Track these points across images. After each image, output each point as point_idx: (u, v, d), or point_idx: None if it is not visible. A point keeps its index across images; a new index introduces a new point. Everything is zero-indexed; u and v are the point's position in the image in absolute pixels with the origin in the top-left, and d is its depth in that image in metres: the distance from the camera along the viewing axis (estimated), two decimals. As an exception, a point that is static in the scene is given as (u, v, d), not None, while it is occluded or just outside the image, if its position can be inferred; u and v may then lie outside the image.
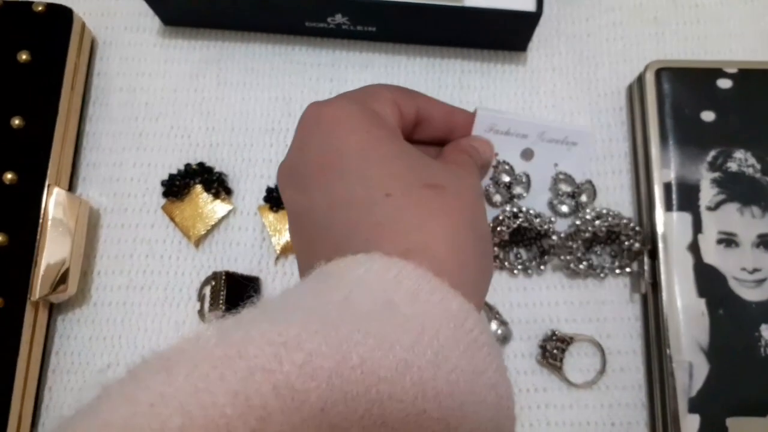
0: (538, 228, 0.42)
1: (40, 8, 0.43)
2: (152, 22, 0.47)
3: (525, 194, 0.44)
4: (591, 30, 0.48)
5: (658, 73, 0.44)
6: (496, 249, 0.43)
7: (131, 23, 0.47)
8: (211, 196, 0.44)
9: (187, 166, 0.44)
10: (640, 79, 0.44)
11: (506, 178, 0.45)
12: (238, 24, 0.47)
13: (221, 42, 0.47)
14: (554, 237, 0.42)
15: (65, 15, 0.43)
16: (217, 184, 0.44)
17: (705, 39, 0.47)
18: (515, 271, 0.43)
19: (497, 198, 0.45)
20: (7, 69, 0.42)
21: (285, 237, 0.43)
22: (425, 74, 0.47)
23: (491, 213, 0.44)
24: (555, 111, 0.46)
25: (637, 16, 0.48)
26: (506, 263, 0.43)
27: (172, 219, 0.44)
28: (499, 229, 0.42)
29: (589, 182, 0.44)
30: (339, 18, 0.44)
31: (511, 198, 0.44)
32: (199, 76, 0.46)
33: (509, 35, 0.45)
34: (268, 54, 0.47)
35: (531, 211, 0.42)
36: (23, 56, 0.42)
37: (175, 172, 0.44)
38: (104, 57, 0.47)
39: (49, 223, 0.40)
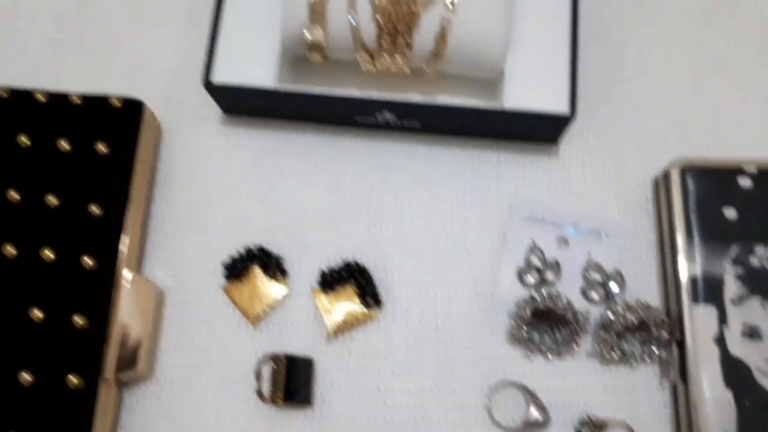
0: (569, 314, 0.45)
1: (116, 103, 0.46)
2: (214, 112, 0.51)
3: (556, 280, 0.48)
4: (619, 125, 0.51)
5: (683, 171, 0.47)
6: (528, 331, 0.46)
7: (195, 112, 0.51)
8: (268, 277, 0.47)
9: (248, 249, 0.48)
10: (666, 176, 0.48)
11: (538, 263, 0.48)
12: (294, 115, 0.51)
13: (278, 132, 0.51)
14: (587, 326, 0.45)
15: (137, 108, 0.47)
16: (275, 266, 0.47)
17: (726, 137, 0.51)
18: (549, 356, 0.46)
19: (530, 279, 0.48)
20: (87, 160, 0.45)
21: (336, 318, 0.46)
22: (464, 164, 0.50)
23: (522, 293, 0.47)
24: (586, 201, 0.50)
25: (662, 113, 0.51)
26: (541, 347, 0.46)
27: (232, 299, 0.47)
28: (526, 308, 0.45)
29: (619, 273, 0.47)
30: (386, 114, 0.48)
31: (542, 281, 0.48)
32: (257, 164, 0.50)
33: (543, 131, 0.49)
34: (321, 144, 0.51)
35: (562, 297, 0.46)
36: (101, 148, 0.45)
37: (234, 253, 0.48)
38: (169, 144, 0.51)
39: (122, 305, 0.43)
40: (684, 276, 0.45)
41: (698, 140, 0.51)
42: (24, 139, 0.45)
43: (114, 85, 0.51)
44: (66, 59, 0.53)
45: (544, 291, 0.46)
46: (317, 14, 0.44)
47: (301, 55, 0.47)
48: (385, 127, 0.51)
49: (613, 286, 0.47)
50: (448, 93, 0.50)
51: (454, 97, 0.50)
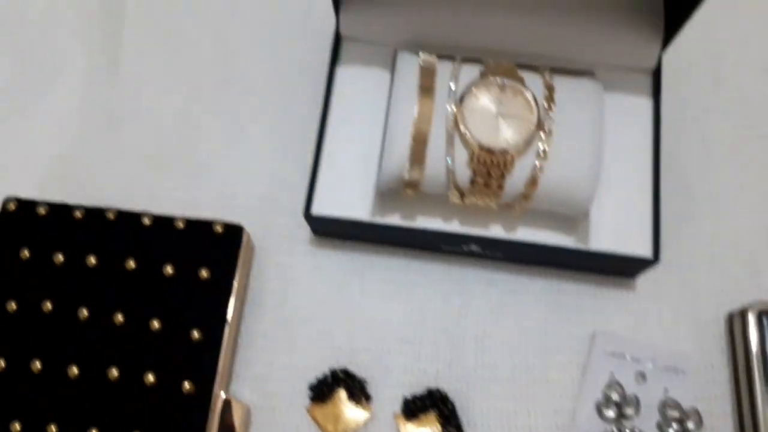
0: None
1: (219, 229, 0.49)
2: (304, 233, 0.53)
3: (635, 415, 0.49)
4: (693, 262, 0.53)
5: (760, 315, 0.49)
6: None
7: (286, 233, 0.53)
8: (352, 402, 0.48)
9: (333, 372, 0.49)
10: (742, 316, 0.49)
11: (617, 398, 0.49)
12: (381, 240, 0.53)
13: (364, 253, 0.53)
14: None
15: (238, 233, 0.49)
16: (359, 390, 0.48)
17: (798, 274, 0.52)
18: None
19: (609, 413, 0.49)
20: (190, 284, 0.47)
21: (420, 447, 0.47)
22: (545, 295, 0.52)
23: (601, 426, 0.48)
24: (662, 335, 0.51)
25: (734, 251, 0.53)
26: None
27: (315, 421, 0.48)
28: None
29: (696, 411, 0.48)
30: (472, 246, 0.50)
31: (621, 416, 0.49)
32: (343, 284, 0.52)
33: (625, 269, 0.51)
34: (405, 268, 0.53)
35: (639, 432, 0.47)
36: (204, 273, 0.47)
37: (319, 373, 0.49)
38: (260, 262, 0.53)
39: (215, 426, 0.45)
40: (763, 421, 0.46)
41: (768, 280, 0.52)
42: (131, 263, 0.47)
43: (209, 203, 0.54)
44: (162, 177, 0.55)
45: (623, 426, 0.47)
46: (418, 156, 0.46)
47: (395, 189, 0.50)
48: (468, 254, 0.52)
49: (690, 425, 0.48)
50: (529, 226, 0.52)
51: (535, 229, 0.52)
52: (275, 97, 0.57)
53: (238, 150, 0.56)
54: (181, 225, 0.49)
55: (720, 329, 0.51)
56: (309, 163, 0.49)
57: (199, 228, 0.49)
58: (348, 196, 0.49)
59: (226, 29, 0.60)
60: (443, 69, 0.48)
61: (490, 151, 0.45)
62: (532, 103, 0.46)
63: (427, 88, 0.47)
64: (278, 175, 0.55)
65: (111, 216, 0.49)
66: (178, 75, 0.58)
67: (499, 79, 0.47)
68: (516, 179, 0.47)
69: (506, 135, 0.46)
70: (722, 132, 0.56)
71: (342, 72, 0.52)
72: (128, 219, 0.49)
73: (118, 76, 0.58)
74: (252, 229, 0.53)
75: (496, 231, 0.52)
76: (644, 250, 0.48)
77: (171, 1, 0.61)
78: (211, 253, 0.48)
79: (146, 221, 0.49)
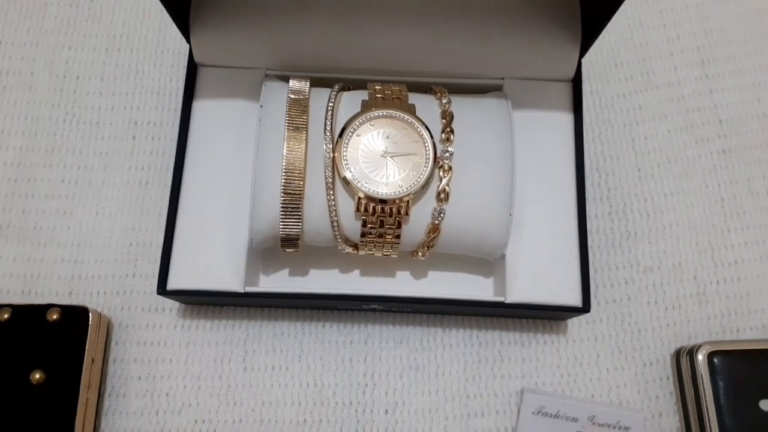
0: None
1: (55, 316, 0.39)
2: (171, 302, 0.44)
3: (576, 483, 0.42)
4: (631, 293, 0.46)
5: (711, 356, 0.42)
6: None
7: (149, 302, 0.44)
8: (242, 508, 0.40)
9: (216, 474, 0.41)
10: (691, 356, 0.43)
11: (555, 464, 0.42)
12: (265, 304, 0.44)
13: (246, 321, 0.44)
14: None
15: (82, 317, 0.40)
16: (248, 494, 0.40)
17: (747, 297, 0.46)
18: None
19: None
20: (20, 392, 0.38)
21: None
22: (463, 347, 0.45)
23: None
24: (600, 384, 0.44)
25: (677, 276, 0.46)
26: None
27: None
28: None
29: (645, 474, 0.42)
30: (374, 305, 0.42)
31: (560, 484, 0.42)
32: (224, 361, 0.43)
33: (550, 314, 0.43)
34: (297, 333, 0.44)
35: None
36: (36, 376, 0.38)
37: (200, 476, 0.41)
38: (120, 342, 0.44)
39: None
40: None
41: (719, 305, 0.46)
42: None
43: (53, 276, 0.44)
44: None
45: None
46: (292, 209, 0.38)
47: (270, 248, 0.41)
48: (371, 311, 0.44)
49: (639, 490, 0.41)
50: (440, 269, 0.44)
51: (447, 273, 0.44)
52: (128, 137, 0.47)
53: (86, 207, 0.46)
54: (5, 316, 0.39)
55: (666, 370, 0.45)
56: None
57: (30, 317, 0.39)
58: (215, 261, 0.40)
59: (62, 58, 0.49)
60: (319, 98, 0.39)
61: (380, 199, 0.37)
62: (426, 136, 0.38)
63: (297, 125, 0.38)
64: (136, 233, 0.45)
65: None
66: (8, 121, 0.48)
67: (384, 111, 0.38)
68: (414, 228, 0.39)
69: (397, 177, 0.37)
70: (656, 139, 0.49)
71: (201, 106, 0.43)
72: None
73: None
74: (108, 303, 0.44)
75: (402, 279, 0.44)
76: (572, 297, 0.40)
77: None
78: (47, 348, 0.39)
79: (-42, 316, 0.39)
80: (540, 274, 0.41)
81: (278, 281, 0.43)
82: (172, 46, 0.49)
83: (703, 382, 0.42)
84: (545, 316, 0.44)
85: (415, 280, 0.44)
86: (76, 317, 0.40)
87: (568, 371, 0.44)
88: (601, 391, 0.44)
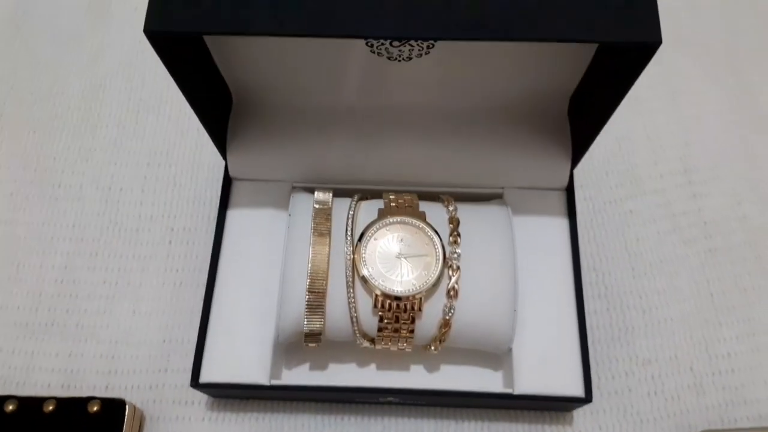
0: None
1: (95, 408, 0.42)
2: (200, 395, 0.47)
3: None
4: (631, 384, 0.49)
5: (709, 445, 0.44)
6: None
7: (179, 396, 0.47)
8: None
9: None
10: (691, 446, 0.45)
11: None
12: (288, 397, 0.47)
13: (270, 413, 0.47)
14: None
15: (119, 409, 0.43)
16: None
17: (742, 387, 0.49)
18: None
19: None
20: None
21: None
22: (475, 439, 0.47)
23: None
24: (607, 474, 0.46)
25: (674, 368, 0.49)
26: None
27: None
28: None
29: None
30: (390, 398, 0.45)
31: None
32: (247, 453, 0.46)
33: (556, 406, 0.46)
34: (317, 425, 0.47)
35: None
36: (76, 467, 0.41)
37: None
38: (151, 434, 0.46)
39: None
40: None
41: (715, 396, 0.48)
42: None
43: (91, 370, 0.48)
44: (38, 345, 0.49)
45: None
46: (316, 306, 0.42)
47: (296, 342, 0.45)
48: (387, 404, 0.47)
49: None
50: (452, 363, 0.47)
51: (458, 366, 0.47)
52: (164, 242, 0.52)
53: (124, 306, 0.50)
54: (50, 408, 0.42)
55: (670, 460, 0.47)
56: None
57: (73, 409, 0.42)
58: (243, 356, 0.43)
59: (109, 172, 0.55)
60: (341, 207, 0.44)
61: (395, 296, 0.41)
62: (436, 239, 0.42)
63: (321, 231, 0.43)
64: (169, 330, 0.49)
65: (-34, 405, 0.42)
66: (57, 228, 0.53)
67: (398, 218, 0.43)
68: (427, 323, 0.42)
69: (411, 276, 0.41)
70: (647, 241, 0.53)
71: (234, 215, 0.48)
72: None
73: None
74: (141, 396, 0.47)
75: (416, 373, 0.47)
76: (575, 388, 0.43)
77: (46, 146, 0.56)
78: (86, 439, 0.42)
79: (9, 407, 0.42)
80: (545, 367, 0.44)
81: (300, 375, 0.46)
82: (207, 161, 0.55)
83: (704, 471, 0.44)
84: (552, 407, 0.46)
85: (429, 374, 0.47)
86: (114, 409, 0.43)
87: (576, 461, 0.47)
88: (608, 482, 0.46)
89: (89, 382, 0.47)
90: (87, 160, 0.55)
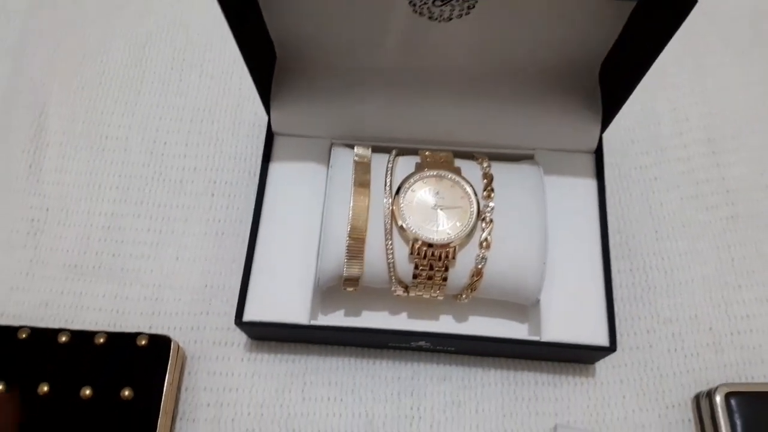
0: None
1: (143, 341, 0.45)
2: (239, 337, 0.50)
3: None
4: (652, 341, 0.51)
5: (727, 397, 0.46)
6: None
7: (219, 337, 0.50)
8: None
9: (276, 493, 0.45)
10: (710, 398, 0.47)
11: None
12: (323, 340, 0.49)
13: (306, 356, 0.49)
14: None
15: (165, 344, 0.45)
16: None
17: (760, 348, 0.50)
18: None
19: None
20: (111, 406, 0.43)
21: None
22: (501, 386, 0.49)
23: None
24: (626, 423, 0.48)
25: (694, 327, 0.51)
26: None
27: None
28: None
29: None
30: (422, 343, 0.47)
31: None
32: (284, 391, 0.48)
33: (581, 356, 0.48)
34: (350, 368, 0.49)
35: None
36: (126, 393, 0.43)
37: (261, 496, 0.45)
38: (192, 372, 0.49)
39: None
40: None
41: (734, 355, 0.50)
42: (44, 388, 0.43)
43: (137, 311, 0.50)
44: (86, 287, 0.51)
45: None
46: (356, 252, 0.44)
47: (335, 286, 0.47)
48: (417, 350, 0.49)
49: None
50: (480, 314, 0.49)
51: (486, 317, 0.49)
52: (207, 194, 0.55)
53: (168, 252, 0.53)
54: (101, 340, 0.45)
55: (688, 413, 0.49)
56: (242, 263, 0.46)
57: (122, 342, 0.45)
58: (284, 298, 0.46)
59: (153, 126, 0.57)
60: (379, 162, 0.46)
61: (430, 244, 0.43)
62: (470, 193, 0.44)
63: (362, 182, 0.45)
64: (211, 276, 0.52)
65: (23, 335, 0.45)
66: (105, 177, 0.55)
67: (435, 171, 0.45)
68: (460, 271, 0.44)
69: (446, 227, 0.43)
70: (670, 205, 0.55)
71: (276, 168, 0.50)
72: (42, 338, 0.45)
73: (40, 183, 0.55)
74: (183, 336, 0.49)
75: (445, 322, 0.49)
76: (600, 338, 0.45)
77: (94, 101, 0.59)
78: (135, 369, 0.44)
79: (63, 338, 0.45)
80: (571, 318, 0.46)
81: (335, 320, 0.49)
82: (247, 119, 0.57)
83: (721, 421, 0.46)
84: (576, 357, 0.48)
85: (457, 324, 0.49)
86: (160, 345, 0.45)
87: (597, 411, 0.49)
88: (627, 430, 0.48)
89: (134, 323, 0.50)
90: (133, 114, 0.58)
